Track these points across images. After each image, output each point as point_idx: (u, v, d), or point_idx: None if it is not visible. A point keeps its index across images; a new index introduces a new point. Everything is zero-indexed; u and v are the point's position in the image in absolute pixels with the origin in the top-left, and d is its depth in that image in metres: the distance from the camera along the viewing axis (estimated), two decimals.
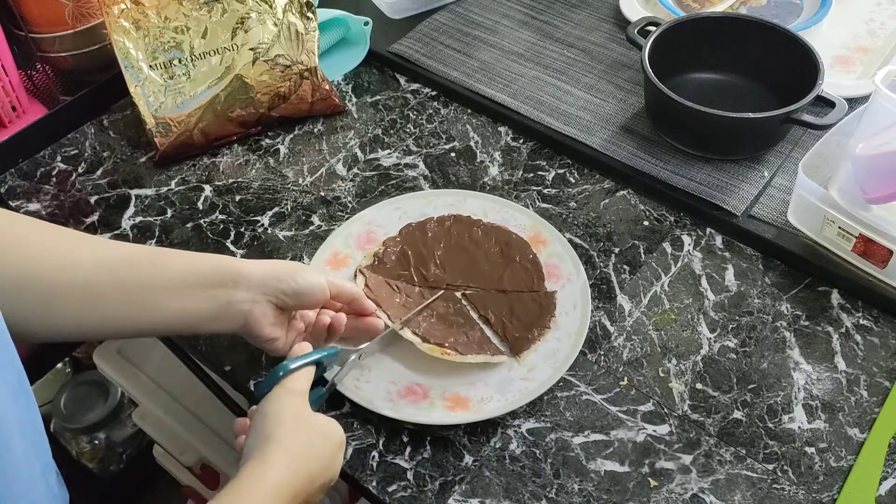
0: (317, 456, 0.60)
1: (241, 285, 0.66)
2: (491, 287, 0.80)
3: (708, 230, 0.87)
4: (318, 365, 0.66)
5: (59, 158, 0.98)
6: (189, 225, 0.90)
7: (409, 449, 0.71)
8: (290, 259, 0.86)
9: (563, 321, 0.78)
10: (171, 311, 0.64)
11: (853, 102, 0.90)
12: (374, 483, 0.69)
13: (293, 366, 0.63)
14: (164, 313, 0.64)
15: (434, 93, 1.04)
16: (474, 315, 0.79)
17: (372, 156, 0.96)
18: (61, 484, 0.60)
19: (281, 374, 0.62)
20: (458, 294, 0.80)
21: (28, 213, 0.92)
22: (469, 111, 1.01)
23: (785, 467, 0.69)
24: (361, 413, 0.73)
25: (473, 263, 0.82)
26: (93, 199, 0.93)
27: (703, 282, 0.82)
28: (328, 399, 0.72)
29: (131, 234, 0.89)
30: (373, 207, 0.87)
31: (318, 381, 0.68)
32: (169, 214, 0.91)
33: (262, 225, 0.89)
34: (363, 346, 0.72)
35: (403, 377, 0.74)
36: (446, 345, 0.74)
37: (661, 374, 0.75)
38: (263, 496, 0.55)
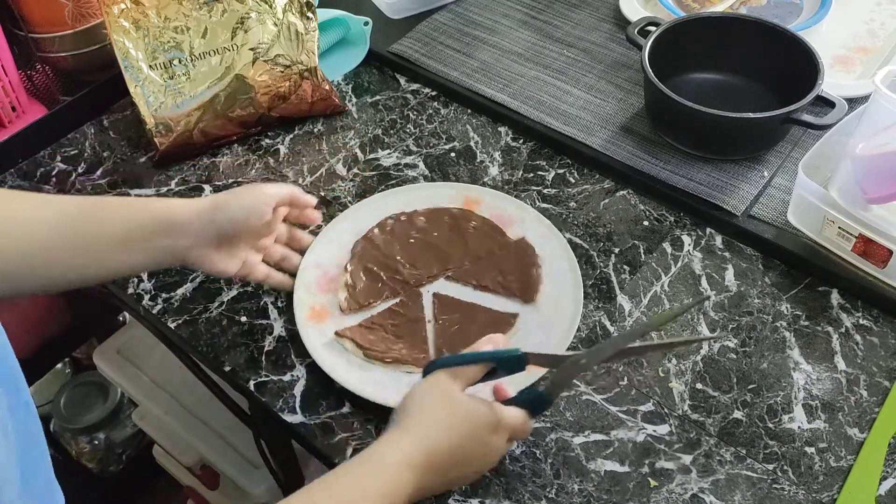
0: (458, 432, 0.60)
1: (177, 234, 0.69)
2: (466, 260, 0.83)
3: (708, 230, 0.87)
4: (496, 370, 0.64)
5: (58, 158, 0.98)
6: None
7: None
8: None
9: (545, 246, 0.82)
10: (116, 262, 0.68)
11: (853, 102, 0.90)
12: None
13: (440, 363, 0.63)
14: (108, 265, 0.68)
15: (434, 93, 1.04)
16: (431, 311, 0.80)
17: (372, 156, 0.96)
18: (54, 484, 0.60)
19: (438, 364, 0.62)
20: (435, 281, 0.82)
21: None
22: (469, 111, 1.01)
23: (785, 467, 0.69)
24: (361, 413, 0.73)
25: (435, 249, 0.84)
26: None
27: (703, 282, 0.82)
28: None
29: None
30: (352, 209, 0.87)
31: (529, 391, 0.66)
32: None
33: None
34: (582, 352, 0.64)
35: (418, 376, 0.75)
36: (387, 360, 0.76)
37: (661, 374, 0.75)
38: (392, 463, 0.57)
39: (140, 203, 0.71)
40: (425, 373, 0.64)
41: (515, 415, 0.64)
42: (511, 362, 0.64)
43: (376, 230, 0.85)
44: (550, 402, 0.65)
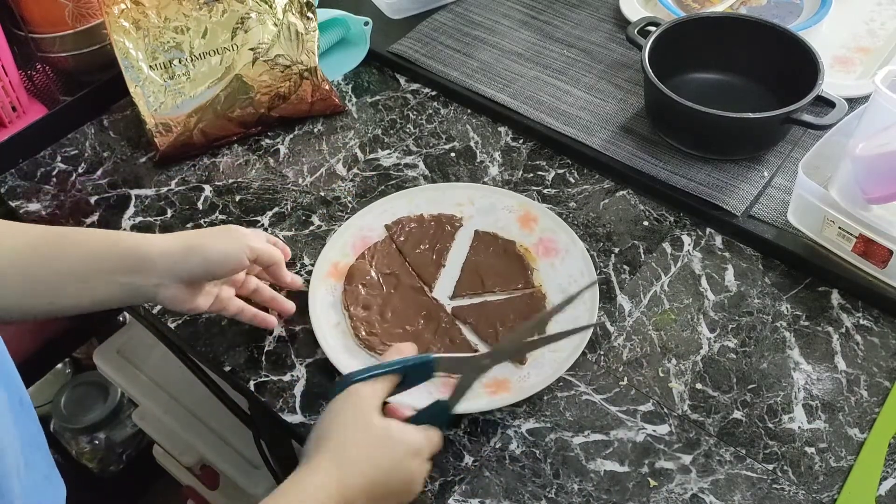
0: (376, 462, 0.58)
1: (146, 271, 0.66)
2: (478, 292, 0.81)
3: (708, 230, 0.87)
4: (406, 377, 0.62)
5: (59, 158, 0.98)
6: (189, 225, 0.90)
7: None
8: (290, 259, 0.85)
9: (574, 289, 0.79)
10: (80, 298, 0.65)
11: (853, 102, 0.90)
12: None
13: (356, 378, 0.60)
14: (73, 300, 0.65)
15: (434, 93, 1.04)
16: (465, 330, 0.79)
17: (372, 156, 0.96)
18: (56, 475, 0.60)
19: (354, 378, 0.59)
20: (445, 312, 0.80)
21: (28, 213, 0.92)
22: (469, 111, 1.01)
23: (785, 467, 0.69)
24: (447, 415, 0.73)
25: (467, 271, 0.83)
26: (93, 200, 0.93)
27: (703, 282, 0.82)
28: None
29: None
30: (357, 215, 0.87)
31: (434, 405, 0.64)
32: (169, 214, 0.91)
33: (262, 225, 0.89)
34: (483, 351, 0.67)
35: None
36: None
37: (661, 374, 0.75)
38: (314, 494, 0.55)
39: (107, 237, 0.68)
40: (339, 387, 0.61)
41: (431, 435, 0.62)
42: (421, 369, 0.63)
43: (410, 227, 0.85)
44: (450, 410, 0.64)
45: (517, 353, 0.73)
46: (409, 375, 0.63)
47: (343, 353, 0.75)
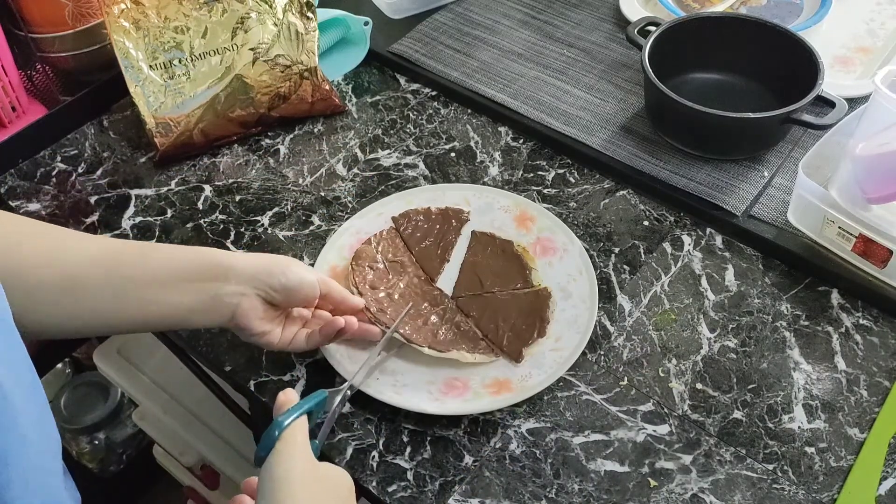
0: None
1: (229, 279, 0.65)
2: (479, 291, 0.81)
3: (708, 230, 0.87)
4: (310, 414, 0.62)
5: (59, 158, 0.98)
6: (189, 225, 0.90)
7: (409, 449, 0.71)
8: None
9: (573, 287, 0.79)
10: (159, 304, 0.64)
11: (853, 102, 0.90)
12: (374, 483, 0.69)
13: (287, 422, 0.59)
14: (151, 307, 0.64)
15: (434, 93, 1.04)
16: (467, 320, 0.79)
17: (372, 156, 0.96)
18: (71, 484, 0.60)
19: (277, 432, 0.58)
20: (448, 300, 0.80)
21: (28, 213, 0.92)
22: (469, 111, 1.01)
23: (785, 467, 0.69)
24: (361, 413, 0.73)
25: (466, 270, 0.83)
26: (93, 200, 0.93)
27: (703, 282, 0.82)
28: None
29: (131, 235, 0.89)
30: (355, 217, 0.86)
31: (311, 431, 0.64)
32: (169, 214, 0.91)
33: (262, 225, 0.89)
34: (345, 385, 0.69)
35: (438, 375, 0.75)
36: (451, 350, 0.75)
37: (661, 374, 0.75)
38: None
39: (189, 248, 0.68)
40: (266, 442, 0.59)
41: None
42: (321, 404, 0.64)
43: (410, 231, 0.85)
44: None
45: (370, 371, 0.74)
46: (313, 411, 0.63)
47: (346, 359, 0.75)
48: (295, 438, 0.58)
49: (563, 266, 0.82)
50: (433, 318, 0.78)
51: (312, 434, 0.62)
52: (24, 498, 0.47)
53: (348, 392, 0.70)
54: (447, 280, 0.82)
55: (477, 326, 0.78)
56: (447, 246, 0.84)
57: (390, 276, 0.81)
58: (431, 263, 0.83)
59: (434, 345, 0.75)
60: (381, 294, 0.79)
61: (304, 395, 0.75)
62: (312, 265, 0.83)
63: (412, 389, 0.73)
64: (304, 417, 0.61)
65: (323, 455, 0.71)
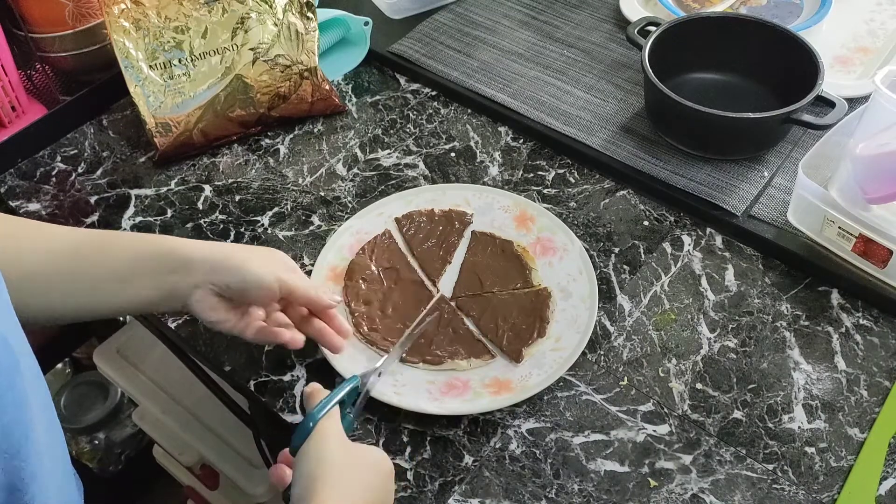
0: (369, 487, 0.59)
1: (185, 272, 0.66)
2: (479, 291, 0.81)
3: (708, 230, 0.87)
4: (342, 403, 0.63)
5: (58, 158, 0.98)
6: (189, 225, 0.90)
7: (409, 449, 0.71)
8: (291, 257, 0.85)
9: (573, 287, 0.79)
10: (117, 298, 0.66)
11: (853, 102, 0.90)
12: None
13: (320, 415, 0.60)
14: (110, 300, 0.66)
15: (434, 93, 1.04)
16: (467, 321, 0.79)
17: (372, 156, 0.96)
18: (76, 477, 0.60)
19: (311, 425, 0.60)
20: (448, 303, 0.80)
21: (28, 213, 0.92)
22: (469, 111, 1.01)
23: (785, 467, 0.69)
24: (361, 413, 0.73)
25: (466, 270, 0.83)
26: (93, 199, 0.93)
27: (703, 282, 0.82)
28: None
29: None
30: (354, 217, 0.86)
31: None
32: (169, 214, 0.91)
33: (262, 225, 0.89)
34: (378, 363, 0.70)
35: (439, 375, 0.75)
36: (446, 360, 0.75)
37: (661, 374, 0.75)
38: None
39: (150, 239, 0.69)
40: (302, 434, 0.60)
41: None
42: (353, 392, 0.66)
43: (412, 231, 0.85)
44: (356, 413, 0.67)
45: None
46: (346, 400, 0.64)
47: (345, 359, 0.75)
48: (329, 427, 0.60)
49: (563, 266, 0.82)
50: (429, 328, 0.78)
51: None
52: (41, 476, 0.48)
53: (381, 372, 0.70)
54: (448, 281, 0.82)
55: (477, 326, 0.78)
56: (449, 248, 0.84)
57: (384, 285, 0.81)
58: (433, 265, 0.83)
59: (430, 359, 0.75)
60: (375, 311, 0.79)
61: (303, 394, 0.75)
62: (312, 265, 0.83)
63: (412, 389, 0.73)
64: (336, 407, 0.62)
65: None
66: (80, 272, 0.65)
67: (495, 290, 0.81)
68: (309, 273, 0.82)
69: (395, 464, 0.70)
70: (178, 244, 0.68)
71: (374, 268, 0.82)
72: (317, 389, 0.64)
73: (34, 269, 0.64)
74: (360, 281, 0.81)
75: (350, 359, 0.75)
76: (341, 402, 0.63)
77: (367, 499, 0.58)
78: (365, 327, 0.77)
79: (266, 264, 0.68)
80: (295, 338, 0.70)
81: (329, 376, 0.75)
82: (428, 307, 0.79)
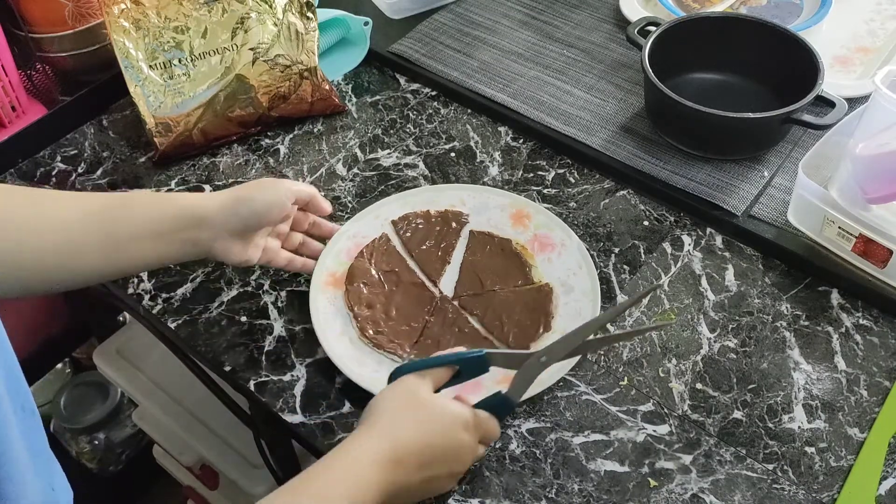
0: (427, 428, 0.60)
1: (203, 227, 0.71)
2: (479, 289, 0.81)
3: (708, 230, 0.87)
4: (460, 373, 0.63)
5: (58, 158, 0.98)
6: None
7: None
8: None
9: (574, 282, 0.80)
10: (143, 256, 0.71)
11: (853, 102, 0.90)
12: None
13: (410, 367, 0.62)
14: (136, 259, 0.71)
15: (434, 93, 1.04)
16: (472, 320, 0.79)
17: (372, 156, 0.96)
18: (63, 483, 0.60)
19: (405, 369, 0.62)
20: (451, 303, 0.80)
21: None
22: (469, 111, 1.01)
23: (785, 467, 0.69)
24: (361, 413, 0.73)
25: (466, 270, 0.83)
26: None
27: (703, 282, 0.82)
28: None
29: None
30: (351, 221, 0.86)
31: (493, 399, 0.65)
32: None
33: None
34: (541, 349, 0.65)
35: None
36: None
37: (661, 374, 0.75)
38: (357, 459, 0.57)
39: (167, 198, 0.75)
40: (391, 378, 0.63)
41: (486, 416, 0.64)
42: (474, 363, 0.64)
43: (407, 233, 0.85)
44: (514, 404, 0.66)
45: (575, 351, 0.68)
46: (463, 370, 0.64)
47: (353, 362, 0.75)
48: (410, 383, 0.62)
49: (561, 262, 0.82)
50: (434, 329, 0.78)
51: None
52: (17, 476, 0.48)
53: (543, 359, 0.65)
54: (448, 282, 0.82)
55: (482, 324, 0.78)
56: (448, 248, 0.84)
57: (385, 288, 0.81)
58: (433, 266, 0.83)
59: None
60: (379, 314, 0.78)
61: (304, 395, 0.75)
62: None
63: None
64: (439, 371, 0.63)
65: (326, 453, 0.71)
66: (111, 236, 0.69)
67: (497, 289, 0.81)
68: (308, 283, 0.82)
69: None
70: (192, 200, 0.72)
71: (373, 272, 0.82)
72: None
73: (72, 237, 0.67)
74: (361, 285, 0.80)
75: (357, 362, 0.75)
76: (459, 375, 0.63)
77: (421, 440, 0.59)
78: (370, 331, 0.77)
79: (269, 189, 0.75)
80: (306, 264, 0.81)
81: (330, 376, 0.75)
82: (430, 307, 0.79)
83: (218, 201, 0.72)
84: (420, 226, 0.86)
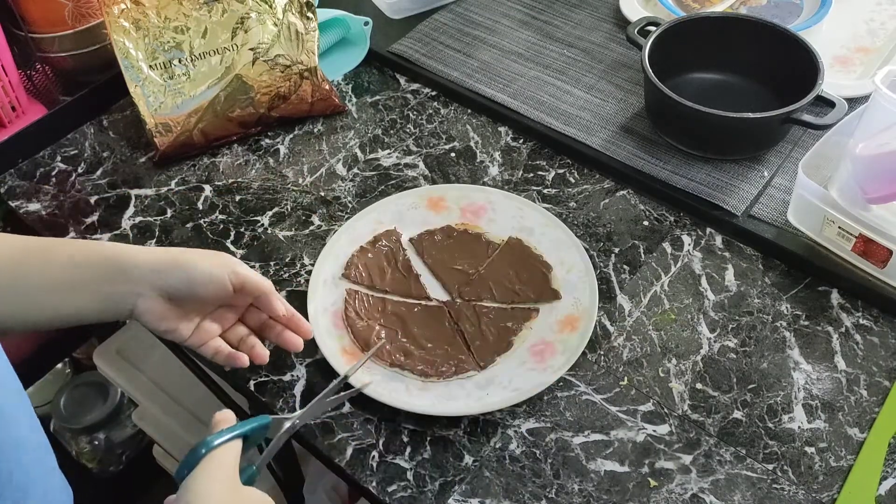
0: None
1: (126, 279, 0.64)
2: (466, 278, 0.82)
3: (708, 230, 0.87)
4: (247, 439, 0.59)
5: (58, 158, 0.98)
6: (189, 225, 0.90)
7: (409, 449, 0.71)
8: (290, 258, 0.85)
9: (571, 279, 0.80)
10: (59, 309, 0.64)
11: (853, 102, 0.90)
12: (374, 483, 0.69)
13: (216, 442, 0.56)
14: (51, 311, 0.64)
15: (434, 93, 1.04)
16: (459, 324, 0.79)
17: (372, 156, 0.96)
18: (65, 482, 0.60)
19: (203, 451, 0.55)
20: (455, 302, 0.80)
21: (28, 213, 0.92)
22: (469, 111, 1.01)
23: (785, 467, 0.69)
24: (361, 413, 0.73)
25: (434, 273, 0.83)
26: (93, 200, 0.93)
27: (703, 282, 0.82)
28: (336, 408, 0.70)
29: (131, 235, 0.89)
30: (317, 264, 0.83)
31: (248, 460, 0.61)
32: (169, 214, 0.91)
33: (262, 225, 0.89)
34: (296, 413, 0.65)
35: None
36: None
37: (661, 374, 0.75)
38: None
39: (94, 246, 0.66)
40: (189, 459, 0.56)
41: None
42: (260, 430, 0.61)
43: (361, 270, 0.82)
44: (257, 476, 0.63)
45: (320, 411, 0.70)
46: (250, 437, 0.61)
47: (352, 359, 0.75)
48: (222, 459, 0.56)
49: (498, 216, 0.86)
50: (471, 329, 0.78)
51: (243, 468, 0.59)
52: (17, 492, 0.47)
53: (297, 422, 0.65)
54: (435, 290, 0.82)
55: (498, 301, 0.80)
56: (405, 264, 0.83)
57: (397, 330, 0.78)
58: (411, 285, 0.81)
59: (503, 345, 0.77)
60: (399, 336, 0.77)
61: (304, 395, 0.75)
62: (312, 265, 0.83)
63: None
64: (238, 442, 0.58)
65: (322, 456, 0.71)
66: (22, 283, 0.63)
67: (479, 269, 0.82)
68: (310, 272, 0.82)
69: (395, 464, 0.70)
70: (119, 251, 0.65)
71: (374, 325, 0.78)
72: (225, 418, 0.59)
73: None
74: (375, 339, 0.77)
75: (357, 358, 0.75)
76: (246, 441, 0.59)
77: None
78: (420, 367, 0.75)
79: (215, 261, 0.66)
80: (260, 354, 0.69)
81: (330, 376, 0.75)
82: (448, 317, 0.80)
83: (153, 257, 0.65)
84: (369, 262, 0.83)
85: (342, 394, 0.71)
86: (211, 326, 0.68)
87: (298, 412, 0.66)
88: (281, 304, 0.70)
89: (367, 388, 0.72)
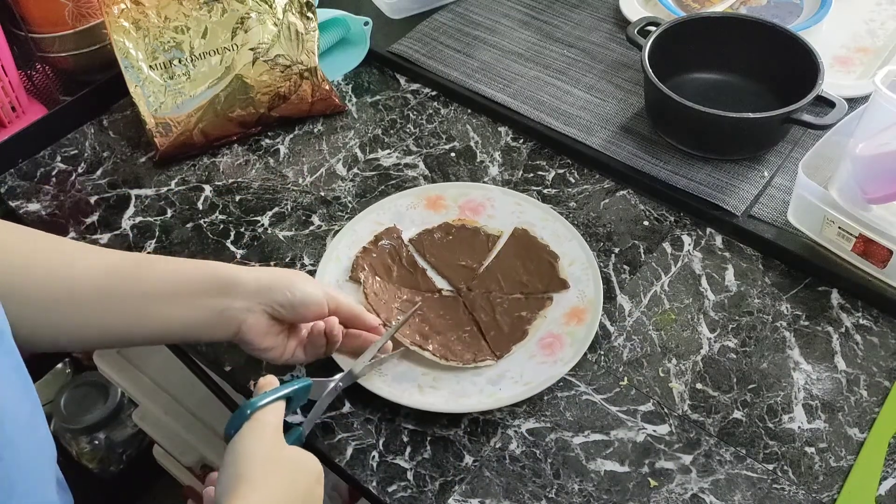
0: (294, 493, 0.57)
1: (234, 294, 0.64)
2: (472, 273, 0.82)
3: (708, 230, 0.87)
4: (290, 400, 0.62)
5: (58, 158, 0.98)
6: (189, 225, 0.90)
7: (409, 449, 0.71)
8: (290, 258, 0.86)
9: (574, 272, 0.81)
10: (162, 319, 0.63)
11: (853, 102, 0.90)
12: (374, 483, 0.69)
13: (261, 403, 0.58)
14: (153, 322, 0.63)
15: (434, 93, 1.04)
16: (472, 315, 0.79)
17: (372, 156, 0.96)
18: (65, 489, 0.60)
19: (249, 411, 0.58)
20: (466, 293, 0.81)
21: (28, 213, 0.92)
22: (469, 111, 1.01)
23: (785, 467, 0.69)
24: (361, 413, 0.73)
25: (438, 271, 0.83)
26: (93, 200, 0.93)
27: (703, 282, 0.82)
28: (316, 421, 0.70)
29: (131, 235, 0.89)
30: (346, 228, 0.84)
31: (292, 423, 0.64)
32: (169, 214, 0.91)
33: (262, 225, 0.89)
34: (338, 376, 0.69)
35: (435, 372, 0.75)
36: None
37: (661, 374, 0.75)
38: None
39: (195, 262, 0.67)
40: (235, 420, 0.59)
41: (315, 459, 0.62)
42: (303, 392, 0.64)
43: (367, 272, 0.82)
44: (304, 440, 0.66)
45: (360, 374, 0.71)
46: (294, 399, 0.64)
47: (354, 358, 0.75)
48: (265, 419, 0.58)
49: (498, 212, 0.86)
50: (486, 319, 0.78)
51: (290, 427, 0.62)
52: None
53: (340, 384, 0.69)
54: (442, 284, 0.82)
55: (507, 292, 0.80)
56: (410, 260, 0.83)
57: (417, 318, 0.78)
58: (418, 280, 0.82)
59: (519, 334, 0.77)
60: (424, 329, 0.77)
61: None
62: (313, 265, 0.83)
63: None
64: (281, 403, 0.60)
65: (322, 456, 0.71)
66: (127, 293, 0.62)
67: (483, 263, 0.82)
68: (311, 273, 0.82)
69: (395, 464, 0.70)
70: (223, 267, 0.66)
71: (383, 300, 0.79)
72: (268, 381, 0.62)
73: (83, 290, 0.61)
74: (407, 331, 0.77)
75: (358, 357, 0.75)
76: (290, 402, 0.62)
77: (291, 501, 0.56)
78: (447, 353, 0.75)
79: (311, 282, 0.68)
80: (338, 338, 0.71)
81: (329, 375, 0.75)
82: (462, 306, 0.80)
83: (254, 274, 0.65)
84: (374, 260, 0.82)
85: (382, 356, 0.73)
86: (293, 343, 0.70)
87: (339, 375, 0.69)
88: (373, 317, 0.73)
89: (380, 388, 0.72)
